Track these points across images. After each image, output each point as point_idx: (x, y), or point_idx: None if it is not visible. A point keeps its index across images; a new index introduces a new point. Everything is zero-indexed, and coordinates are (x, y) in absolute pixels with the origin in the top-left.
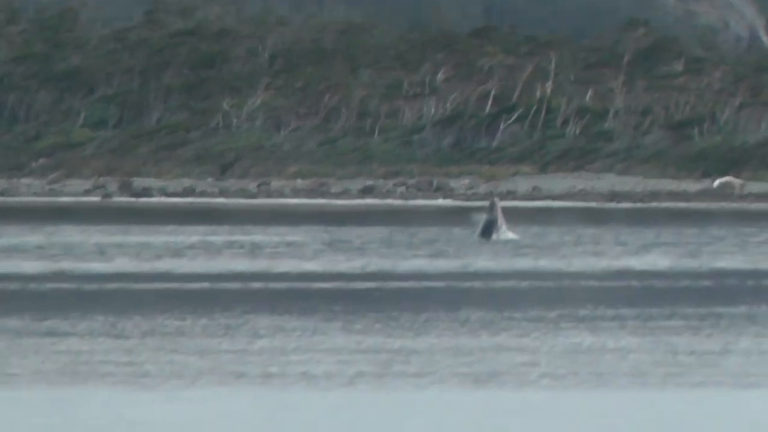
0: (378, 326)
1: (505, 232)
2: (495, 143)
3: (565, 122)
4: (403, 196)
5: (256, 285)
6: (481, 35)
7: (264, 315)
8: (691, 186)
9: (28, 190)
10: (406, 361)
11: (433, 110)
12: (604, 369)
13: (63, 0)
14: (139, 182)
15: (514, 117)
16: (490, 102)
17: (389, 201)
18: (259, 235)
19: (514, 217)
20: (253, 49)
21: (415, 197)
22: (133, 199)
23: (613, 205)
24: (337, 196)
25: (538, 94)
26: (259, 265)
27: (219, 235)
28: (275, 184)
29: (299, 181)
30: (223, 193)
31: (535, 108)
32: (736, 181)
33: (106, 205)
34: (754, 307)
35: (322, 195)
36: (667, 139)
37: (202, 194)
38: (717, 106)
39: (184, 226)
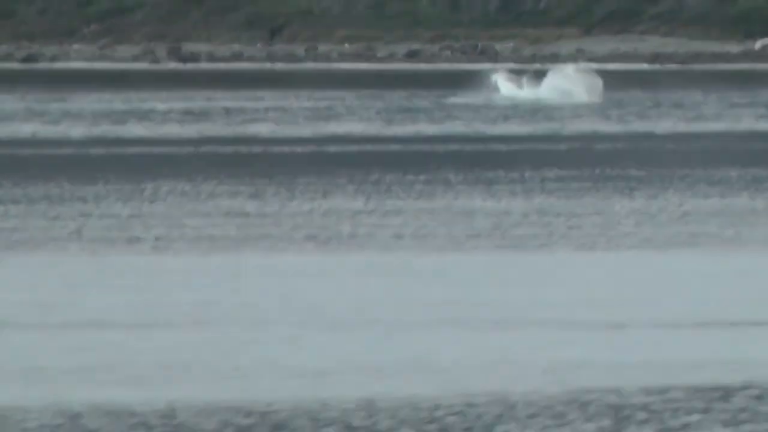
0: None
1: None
2: (541, 5)
3: None
4: (447, 60)
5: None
6: None
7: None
8: (734, 47)
9: (79, 56)
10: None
11: None
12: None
13: None
14: (188, 47)
15: None
16: None
17: (434, 65)
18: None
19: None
20: None
21: (459, 60)
22: (180, 65)
23: (655, 66)
24: (383, 60)
25: None
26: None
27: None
28: (323, 48)
29: (347, 45)
30: (270, 57)
31: None
32: None
33: (153, 70)
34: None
35: (368, 59)
36: (710, 1)
37: (250, 59)
38: None
39: (225, 91)
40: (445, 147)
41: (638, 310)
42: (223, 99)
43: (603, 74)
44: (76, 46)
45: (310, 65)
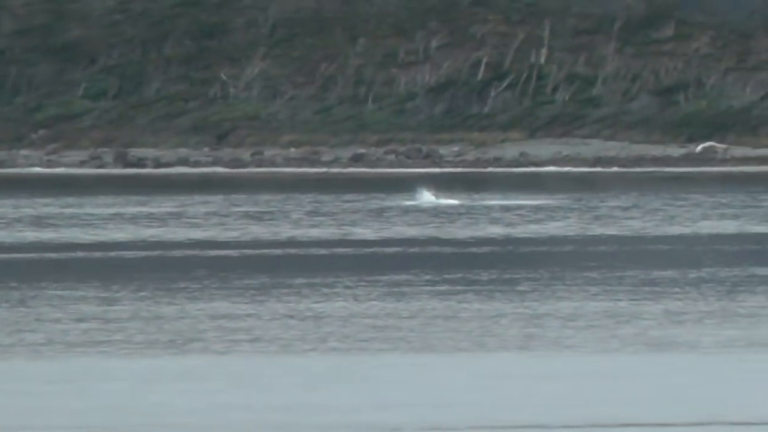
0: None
1: (430, 198)
2: (486, 110)
3: (555, 89)
4: (391, 164)
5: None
6: (482, 3)
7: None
8: (676, 151)
9: (26, 162)
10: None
11: (426, 78)
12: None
13: None
14: (135, 152)
15: (505, 84)
16: (482, 69)
17: (376, 169)
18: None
19: (500, 182)
20: (253, 19)
21: (403, 165)
22: (127, 170)
23: (597, 169)
24: (328, 164)
25: (532, 59)
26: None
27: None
28: (269, 152)
29: (293, 149)
30: (216, 162)
31: (526, 75)
32: (719, 146)
33: (99, 175)
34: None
35: (313, 164)
36: (653, 105)
37: (196, 164)
38: (703, 72)
39: (167, 196)
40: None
41: (424, 413)
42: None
43: (542, 177)
44: (24, 152)
45: (254, 170)
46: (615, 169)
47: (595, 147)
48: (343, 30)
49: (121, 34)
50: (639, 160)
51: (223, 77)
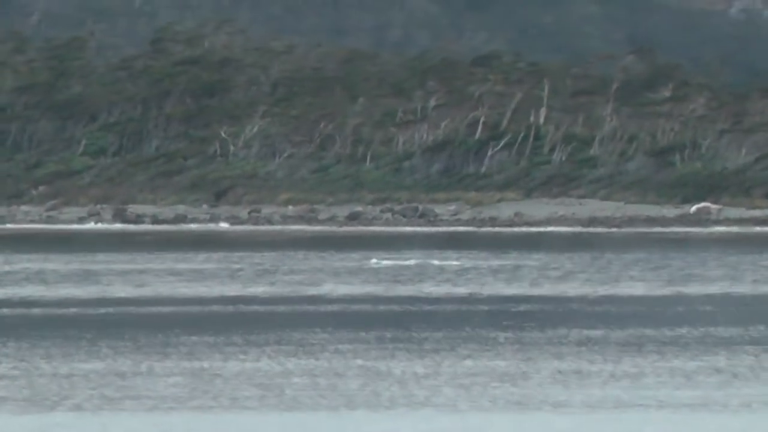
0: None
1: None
2: (483, 169)
3: (552, 149)
4: (387, 222)
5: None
6: (482, 63)
7: None
8: (671, 211)
9: (26, 218)
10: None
11: (424, 137)
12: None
13: (75, 28)
14: (133, 209)
15: (502, 144)
16: (480, 129)
17: (372, 228)
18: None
19: (496, 242)
20: (255, 78)
21: (398, 223)
22: (124, 226)
23: (590, 230)
24: (324, 222)
25: (531, 120)
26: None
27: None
28: (266, 210)
29: (290, 207)
30: (213, 220)
31: (523, 135)
32: (713, 207)
33: (97, 232)
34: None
35: (309, 221)
36: (649, 166)
37: (193, 221)
38: (699, 133)
39: (161, 253)
40: (322, 308)
41: None
42: (154, 261)
43: (537, 237)
44: (24, 208)
45: (251, 227)
46: (606, 229)
47: (591, 207)
48: (343, 89)
49: (122, 91)
50: (632, 221)
51: (223, 135)
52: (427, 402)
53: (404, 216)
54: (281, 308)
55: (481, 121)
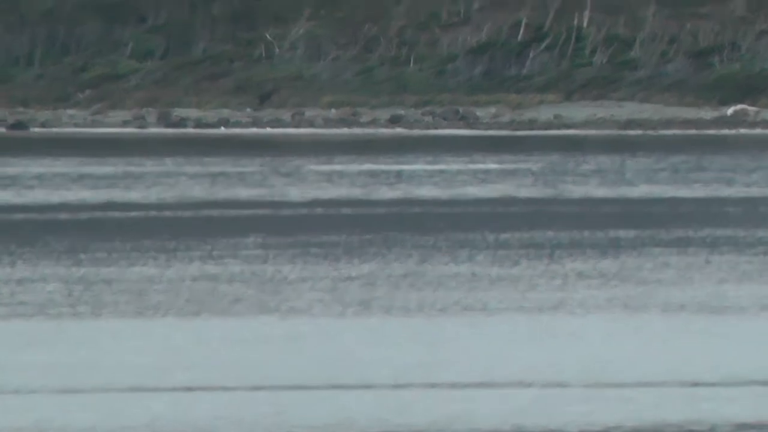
0: None
1: None
2: (524, 72)
3: (594, 51)
4: (427, 125)
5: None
6: None
7: None
8: (708, 113)
9: (70, 121)
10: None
11: (468, 39)
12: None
13: None
14: (178, 113)
15: (543, 46)
16: (522, 30)
17: (415, 130)
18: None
19: (533, 144)
20: None
21: (439, 126)
22: (167, 130)
23: (626, 132)
24: (366, 125)
25: (575, 22)
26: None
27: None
28: (309, 113)
29: (333, 110)
30: (256, 123)
31: (565, 36)
32: (750, 109)
33: (140, 135)
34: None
35: (350, 125)
36: (688, 67)
37: (236, 124)
38: (739, 34)
39: (198, 156)
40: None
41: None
42: (188, 164)
43: (573, 139)
44: (69, 112)
45: (292, 131)
46: (643, 131)
47: (629, 109)
48: None
49: None
50: (669, 123)
51: (268, 37)
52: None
53: (445, 119)
54: (236, 212)
55: (523, 23)
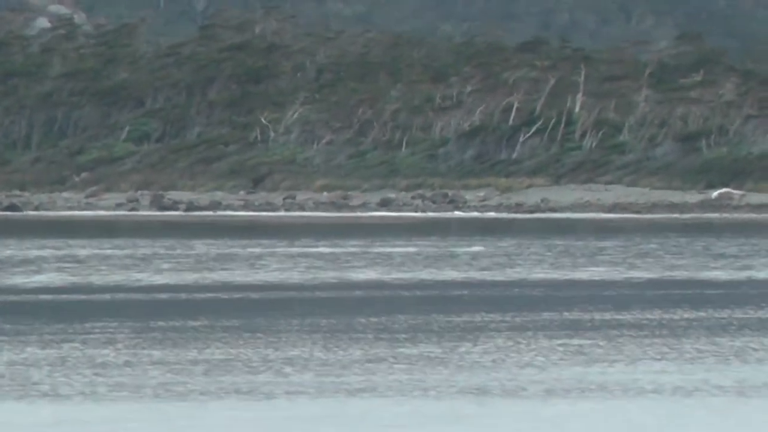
0: None
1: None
2: (514, 155)
3: (583, 135)
4: (417, 209)
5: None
6: (526, 49)
7: None
8: (693, 197)
9: (65, 204)
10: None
11: (460, 123)
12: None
13: (131, 14)
14: (171, 196)
15: (533, 129)
16: (513, 114)
17: (404, 214)
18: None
19: (520, 228)
20: (300, 64)
21: (428, 209)
22: (159, 213)
23: (611, 215)
24: (355, 209)
25: (567, 105)
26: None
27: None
28: (301, 197)
29: (325, 194)
30: (247, 206)
31: (555, 120)
32: (735, 192)
33: (132, 218)
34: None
35: (340, 208)
36: (676, 151)
37: (228, 207)
38: (727, 119)
39: (184, 239)
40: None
41: None
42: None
43: (555, 222)
44: (65, 194)
45: (283, 214)
46: (627, 215)
47: (616, 193)
48: (386, 75)
49: (168, 77)
50: (655, 207)
51: (263, 121)
52: None
53: (434, 202)
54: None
55: (515, 107)
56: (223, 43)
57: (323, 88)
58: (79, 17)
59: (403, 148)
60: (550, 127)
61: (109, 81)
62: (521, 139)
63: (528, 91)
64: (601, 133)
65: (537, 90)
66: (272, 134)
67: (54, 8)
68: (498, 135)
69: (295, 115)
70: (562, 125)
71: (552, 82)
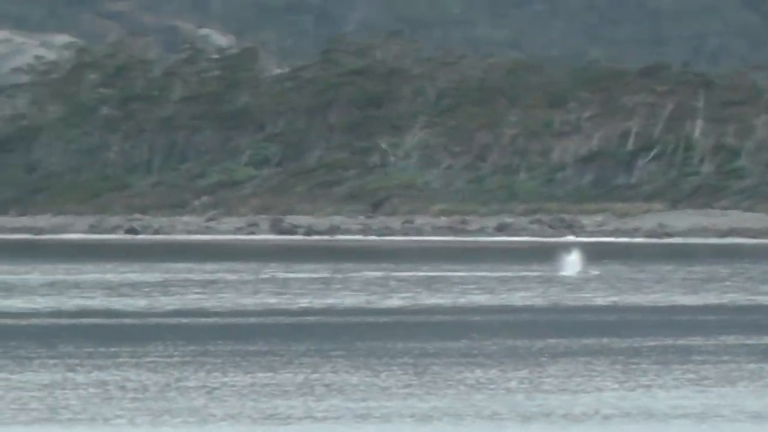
0: None
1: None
2: (632, 180)
3: (702, 160)
4: (534, 233)
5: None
6: (650, 73)
7: None
8: None
9: (185, 228)
10: None
11: (578, 148)
12: None
13: (252, 38)
14: (290, 220)
15: (652, 155)
16: (631, 139)
17: (522, 238)
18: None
19: (634, 252)
20: (420, 89)
21: (545, 234)
22: (278, 237)
23: (725, 240)
24: (473, 233)
25: (686, 130)
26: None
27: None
28: (419, 221)
29: (443, 218)
30: (365, 231)
31: (673, 146)
32: None
33: (248, 242)
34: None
35: (458, 233)
36: None
37: (346, 231)
38: None
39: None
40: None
41: None
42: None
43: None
44: (185, 218)
45: (400, 238)
46: (743, 240)
47: (733, 218)
48: (505, 100)
49: (288, 101)
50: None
51: (383, 146)
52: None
53: (551, 227)
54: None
55: (633, 132)
56: (344, 68)
57: (442, 113)
58: (228, 40)
59: (521, 173)
60: (668, 151)
61: (231, 105)
62: (639, 164)
63: (647, 115)
64: (719, 157)
65: (655, 115)
66: (391, 158)
67: (204, 32)
68: (616, 160)
69: (415, 140)
70: (681, 150)
71: (671, 107)
